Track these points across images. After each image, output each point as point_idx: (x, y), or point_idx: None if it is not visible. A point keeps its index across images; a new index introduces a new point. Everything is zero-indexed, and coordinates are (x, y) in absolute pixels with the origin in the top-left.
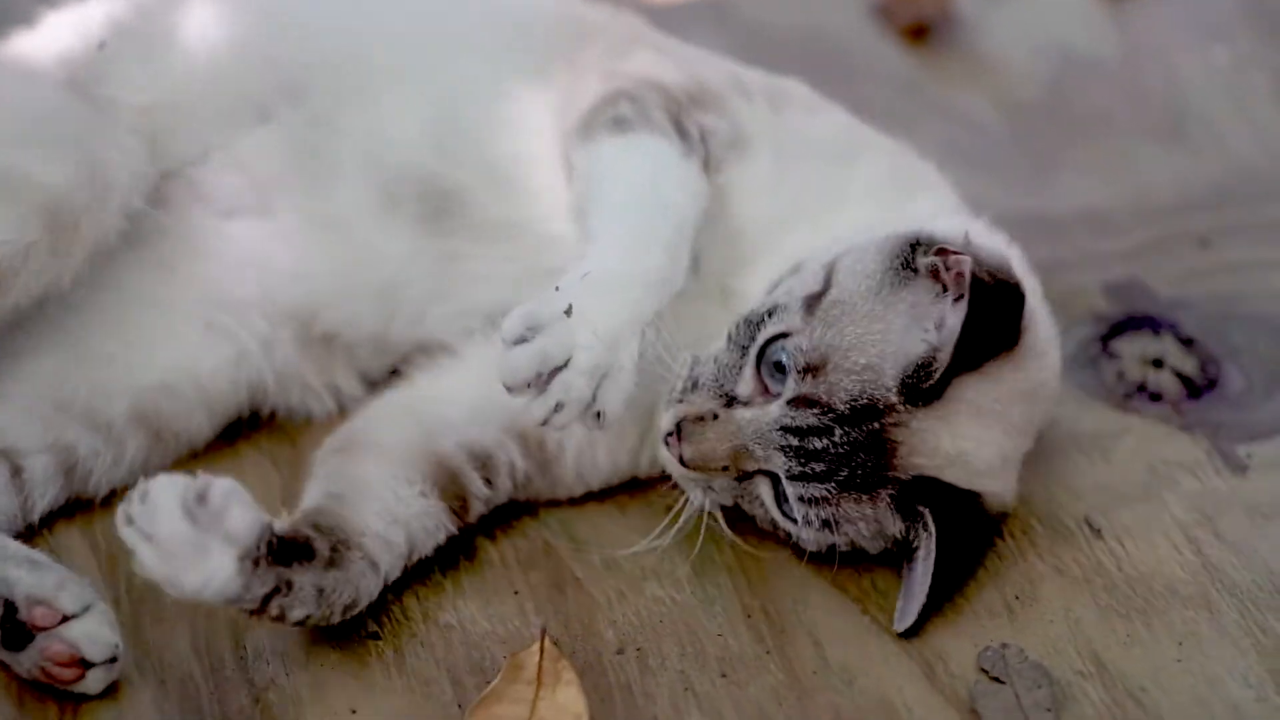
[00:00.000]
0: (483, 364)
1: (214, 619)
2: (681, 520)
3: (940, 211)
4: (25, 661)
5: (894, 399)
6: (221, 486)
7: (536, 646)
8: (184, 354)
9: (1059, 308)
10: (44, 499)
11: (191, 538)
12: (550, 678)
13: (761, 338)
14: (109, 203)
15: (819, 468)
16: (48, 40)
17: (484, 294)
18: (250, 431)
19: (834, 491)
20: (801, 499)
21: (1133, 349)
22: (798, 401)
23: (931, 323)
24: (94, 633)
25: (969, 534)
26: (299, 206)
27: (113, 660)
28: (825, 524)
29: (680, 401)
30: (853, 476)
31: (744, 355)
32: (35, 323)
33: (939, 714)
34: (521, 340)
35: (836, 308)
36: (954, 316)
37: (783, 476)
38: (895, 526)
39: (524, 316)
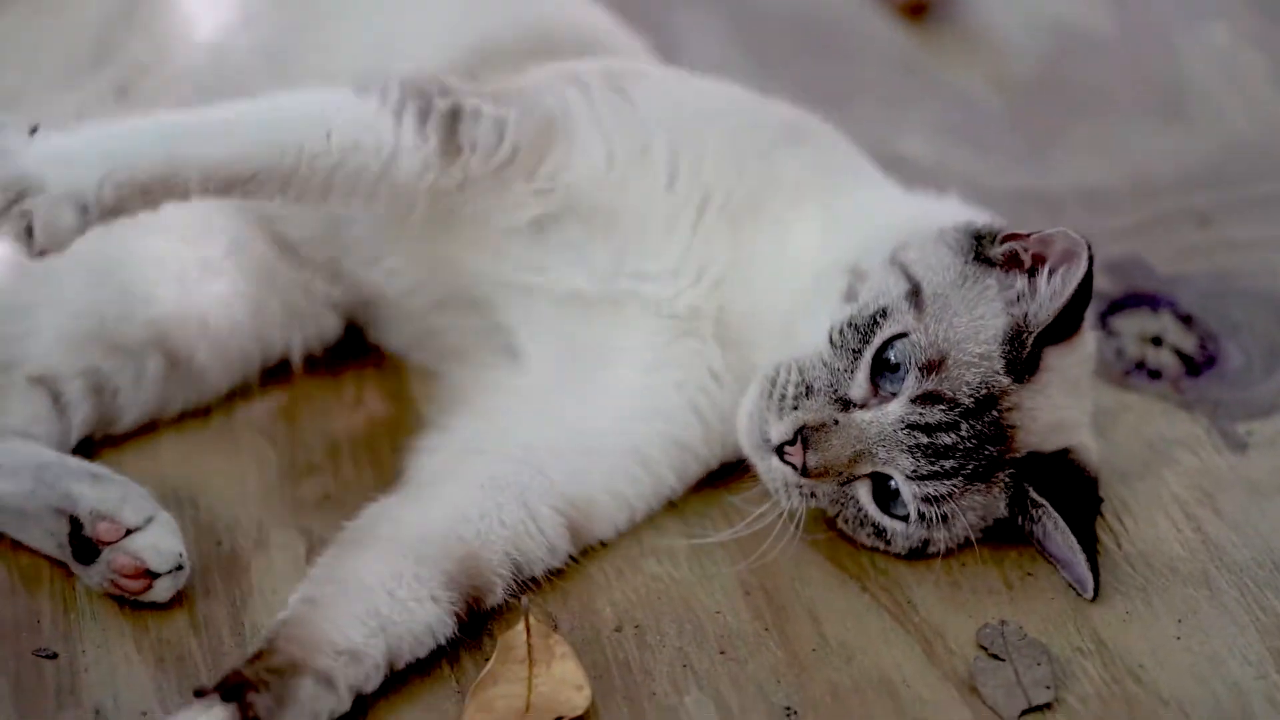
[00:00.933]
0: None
1: (212, 597)
2: (767, 521)
3: (889, 190)
4: (95, 575)
5: (1006, 382)
6: None
7: (523, 626)
8: (182, 286)
9: None
10: (77, 415)
11: None
12: (543, 654)
13: (878, 340)
14: None
15: (949, 464)
16: None
17: (420, 253)
18: (248, 411)
19: (960, 486)
20: (927, 499)
21: (1132, 326)
22: (923, 399)
23: (1016, 296)
24: (158, 544)
25: (1074, 486)
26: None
27: (178, 569)
28: (942, 519)
29: (795, 409)
30: (978, 468)
31: (856, 359)
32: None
33: (938, 691)
34: None
35: (938, 301)
36: (1058, 281)
37: (902, 477)
38: (1001, 508)
39: None
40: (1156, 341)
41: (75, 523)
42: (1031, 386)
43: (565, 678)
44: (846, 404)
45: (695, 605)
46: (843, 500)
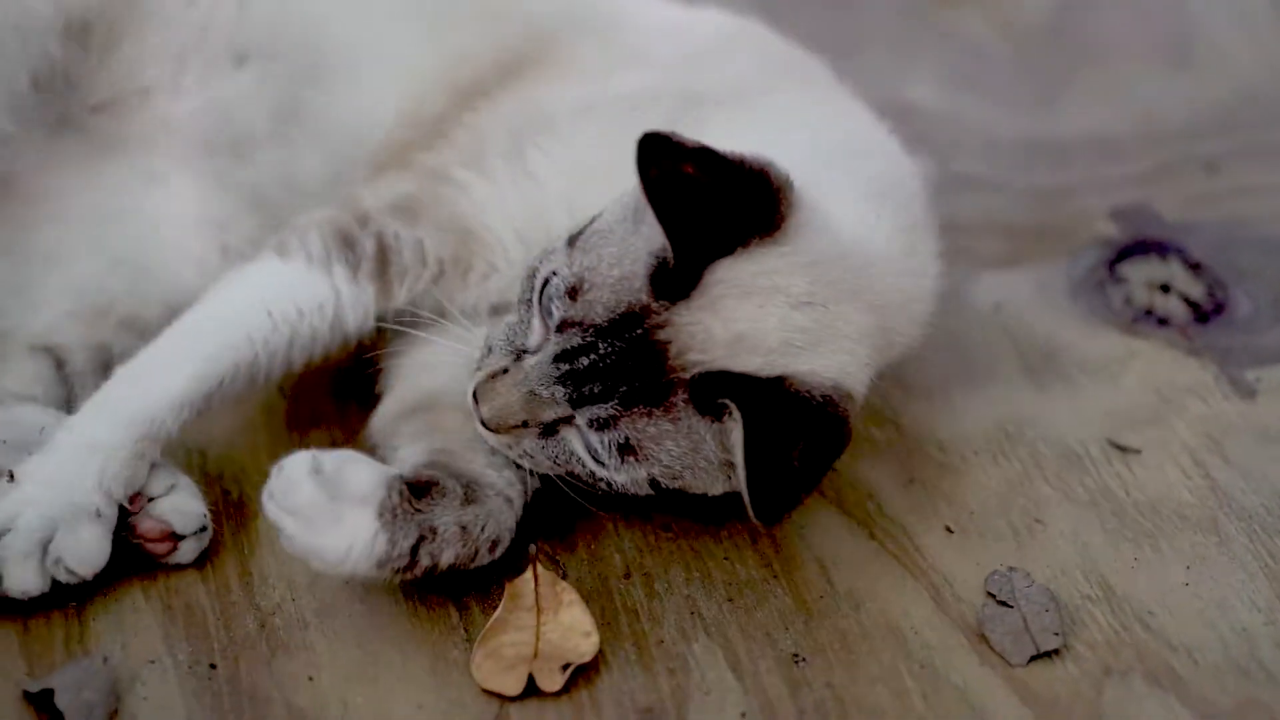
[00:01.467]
0: None
1: (220, 545)
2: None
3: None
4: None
5: (646, 300)
6: (334, 455)
7: (530, 574)
8: (202, 270)
9: (1065, 233)
10: (84, 392)
11: (324, 504)
12: (551, 602)
13: (538, 282)
14: None
15: (596, 388)
16: None
17: None
18: None
19: (620, 409)
20: (591, 424)
21: (1140, 273)
22: (561, 326)
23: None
24: (181, 507)
25: (794, 422)
26: (270, 160)
27: (202, 530)
28: (624, 450)
29: (479, 370)
30: (633, 389)
31: (529, 308)
32: (70, 228)
33: (946, 637)
34: None
35: (596, 236)
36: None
37: (568, 409)
38: (709, 440)
39: None
40: (1165, 288)
41: None
42: (692, 303)
43: (573, 625)
44: (523, 353)
45: (703, 552)
46: (562, 457)
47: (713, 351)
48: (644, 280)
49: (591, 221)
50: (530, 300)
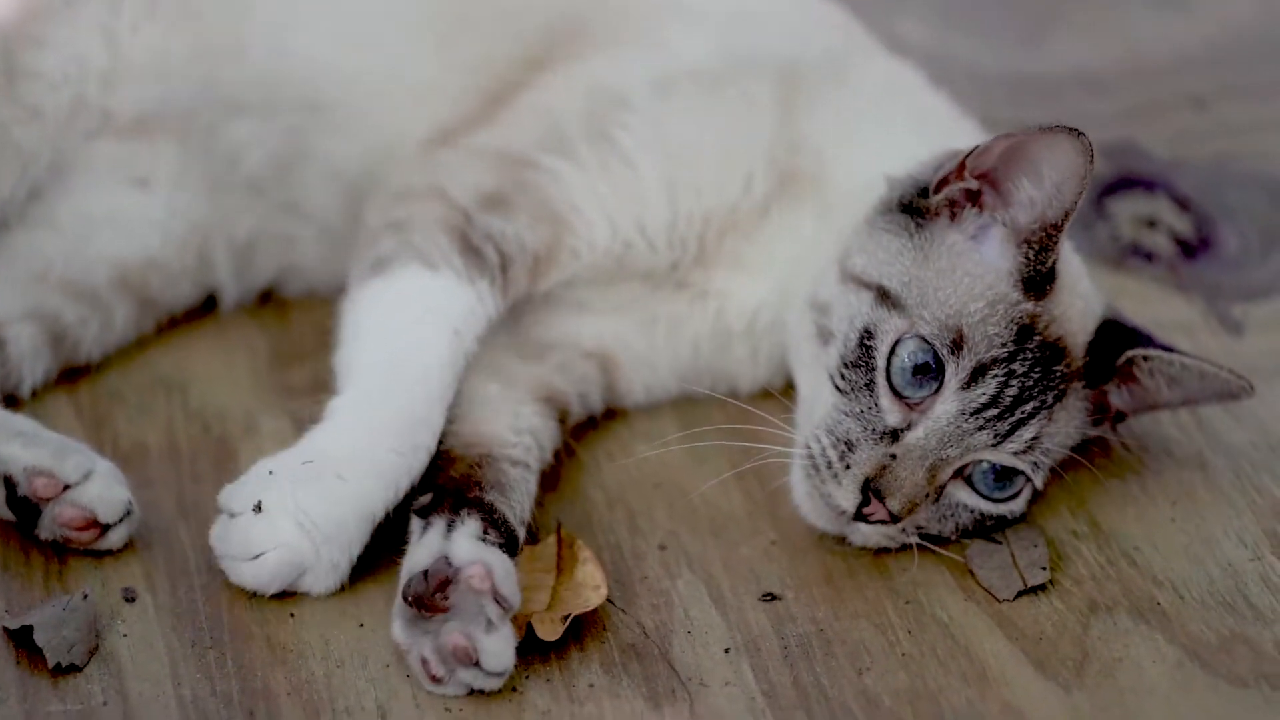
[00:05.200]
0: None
1: (201, 482)
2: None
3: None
4: (43, 532)
5: (1030, 307)
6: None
7: (553, 539)
8: (159, 235)
9: None
10: (34, 374)
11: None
12: (568, 562)
13: (880, 360)
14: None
15: (1029, 407)
16: None
17: None
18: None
19: (1047, 416)
20: (1027, 448)
21: (1126, 209)
22: (971, 379)
23: (1003, 224)
24: (105, 494)
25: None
26: (276, 197)
27: (129, 514)
28: (1047, 453)
29: (849, 468)
30: (1058, 392)
31: (872, 390)
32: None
33: (933, 574)
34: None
35: (913, 287)
36: (1052, 175)
37: (989, 451)
38: (1080, 415)
39: (226, 495)
40: (1151, 224)
41: (9, 484)
42: (1053, 294)
43: (585, 580)
44: (894, 435)
45: (688, 488)
46: (947, 514)
47: (1081, 326)
48: (1018, 291)
49: (883, 285)
50: (870, 383)
